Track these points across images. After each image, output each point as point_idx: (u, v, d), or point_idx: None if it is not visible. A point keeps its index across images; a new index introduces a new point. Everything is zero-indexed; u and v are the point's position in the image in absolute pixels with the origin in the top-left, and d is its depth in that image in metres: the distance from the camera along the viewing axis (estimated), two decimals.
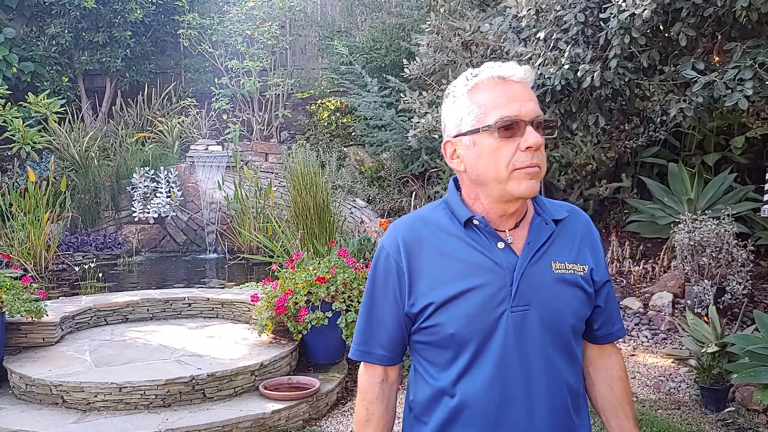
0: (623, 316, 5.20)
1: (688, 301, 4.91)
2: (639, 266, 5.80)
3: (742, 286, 4.72)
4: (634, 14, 3.39)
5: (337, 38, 9.44)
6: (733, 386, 4.03)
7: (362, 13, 9.99)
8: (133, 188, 8.65)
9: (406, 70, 5.66)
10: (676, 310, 5.10)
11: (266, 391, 4.00)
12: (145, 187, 8.62)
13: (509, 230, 1.45)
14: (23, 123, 7.73)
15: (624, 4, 3.44)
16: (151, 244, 8.72)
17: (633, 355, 4.75)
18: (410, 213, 1.55)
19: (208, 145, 8.96)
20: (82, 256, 7.83)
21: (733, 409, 3.94)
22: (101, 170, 8.66)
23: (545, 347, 1.41)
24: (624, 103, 4.19)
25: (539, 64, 3.80)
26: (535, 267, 1.42)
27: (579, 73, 3.64)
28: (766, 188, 4.52)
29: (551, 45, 3.84)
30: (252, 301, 4.80)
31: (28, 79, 9.17)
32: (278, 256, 6.48)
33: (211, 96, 9.93)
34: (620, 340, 4.90)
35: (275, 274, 5.08)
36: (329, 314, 4.34)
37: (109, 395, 3.80)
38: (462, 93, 1.43)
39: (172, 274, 7.55)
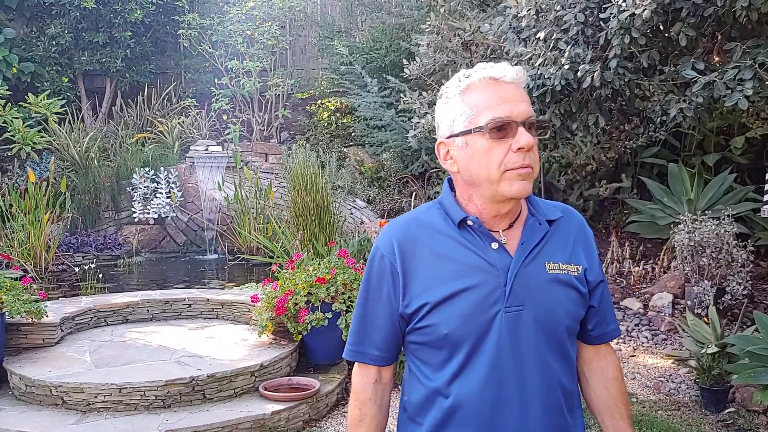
0: (623, 316, 5.19)
1: (688, 302, 4.91)
2: (639, 267, 5.79)
3: (742, 287, 4.72)
4: (634, 14, 3.39)
5: (337, 38, 9.44)
6: (733, 387, 4.02)
7: (362, 13, 9.98)
8: (133, 189, 8.65)
9: (406, 70, 5.65)
10: (676, 311, 5.10)
11: (266, 392, 4.00)
12: (145, 187, 8.61)
13: (503, 231, 1.46)
14: (23, 123, 7.75)
15: (624, 4, 3.43)
16: (151, 244, 8.72)
17: (633, 356, 4.74)
18: (405, 214, 1.56)
19: (208, 146, 8.95)
20: (82, 257, 7.83)
21: (733, 409, 3.93)
22: (101, 171, 8.66)
23: (539, 347, 1.41)
24: (624, 103, 4.18)
25: (539, 64, 3.80)
26: (528, 267, 1.42)
27: (579, 74, 3.64)
28: (766, 188, 4.51)
29: (551, 45, 3.83)
30: (252, 301, 4.80)
31: (28, 80, 9.17)
32: (278, 257, 6.48)
33: (211, 96, 9.93)
34: (620, 340, 4.93)
35: (275, 274, 5.08)
36: (329, 315, 4.33)
37: (109, 396, 3.80)
38: (455, 94, 1.43)
39: (172, 275, 7.55)
